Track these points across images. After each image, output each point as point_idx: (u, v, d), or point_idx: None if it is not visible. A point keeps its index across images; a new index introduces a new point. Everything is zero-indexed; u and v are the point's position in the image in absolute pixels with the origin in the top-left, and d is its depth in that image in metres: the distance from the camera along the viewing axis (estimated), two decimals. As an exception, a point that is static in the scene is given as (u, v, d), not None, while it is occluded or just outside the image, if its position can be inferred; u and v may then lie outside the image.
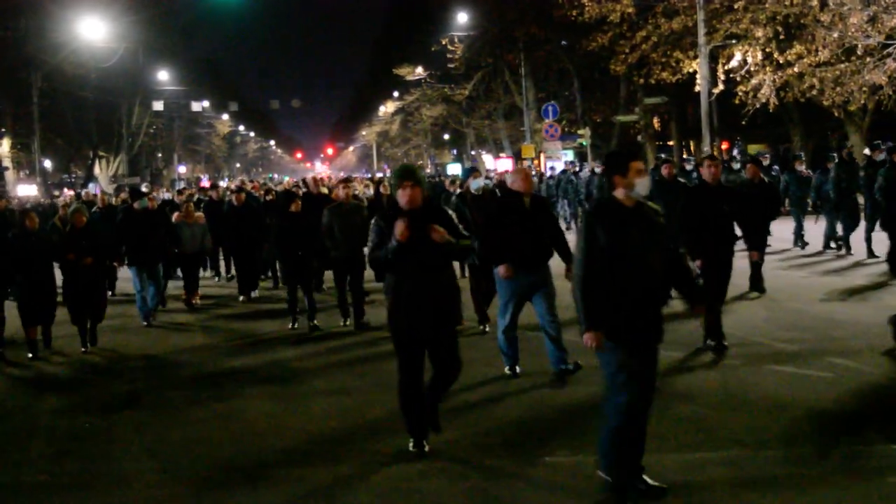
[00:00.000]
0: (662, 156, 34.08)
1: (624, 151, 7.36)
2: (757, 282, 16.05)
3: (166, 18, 61.48)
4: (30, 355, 13.81)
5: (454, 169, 69.95)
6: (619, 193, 6.93)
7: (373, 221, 8.32)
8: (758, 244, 13.45)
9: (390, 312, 8.16)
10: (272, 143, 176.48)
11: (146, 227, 16.53)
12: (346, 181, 16.69)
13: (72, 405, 11.11)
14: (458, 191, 17.45)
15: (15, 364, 13.68)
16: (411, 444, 8.23)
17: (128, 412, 10.48)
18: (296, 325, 15.22)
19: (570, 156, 55.15)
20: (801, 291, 16.33)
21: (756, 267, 15.63)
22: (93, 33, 45.13)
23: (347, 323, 15.16)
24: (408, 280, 8.03)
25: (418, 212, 8.08)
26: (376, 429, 9.15)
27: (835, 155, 23.39)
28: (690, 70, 37.48)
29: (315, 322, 15.03)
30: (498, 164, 60.28)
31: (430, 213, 8.17)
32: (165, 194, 38.21)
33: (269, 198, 24.40)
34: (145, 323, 16.36)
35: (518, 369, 10.99)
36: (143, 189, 28.61)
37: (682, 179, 18.84)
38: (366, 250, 9.34)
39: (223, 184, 55.60)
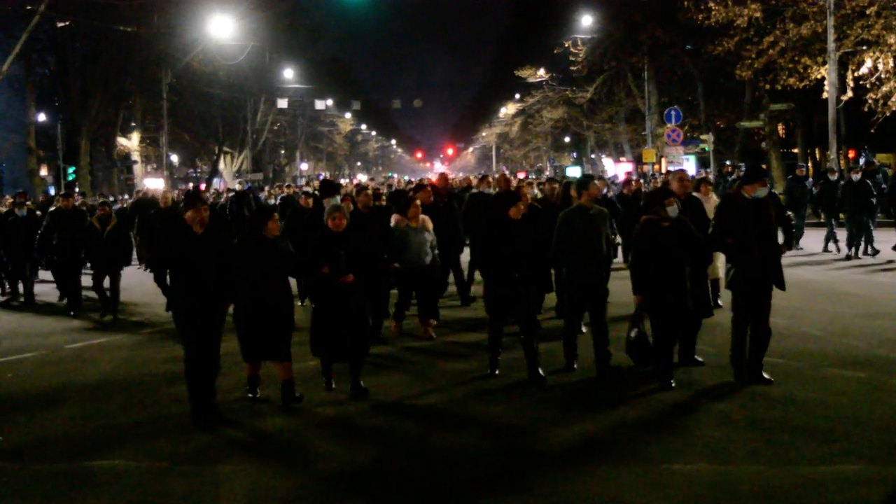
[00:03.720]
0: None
1: None
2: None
3: (293, 17, 62.64)
4: (249, 395, 10.86)
5: (574, 172, 69.75)
6: None
7: None
8: None
9: None
10: (393, 142, 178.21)
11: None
12: (589, 180, 12.30)
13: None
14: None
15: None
16: None
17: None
18: (497, 371, 11.58)
19: (692, 161, 54.52)
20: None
21: None
22: (221, 31, 46.05)
23: (574, 367, 11.70)
24: None
25: None
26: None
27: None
28: (818, 76, 36.71)
29: (541, 372, 11.32)
30: (618, 168, 59.87)
31: None
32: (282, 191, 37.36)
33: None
34: None
35: None
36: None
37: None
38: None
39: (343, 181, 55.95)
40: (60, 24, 43.90)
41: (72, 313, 18.31)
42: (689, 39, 47.86)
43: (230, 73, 56.08)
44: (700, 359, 11.66)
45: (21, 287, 21.44)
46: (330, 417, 10.23)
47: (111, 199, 35.82)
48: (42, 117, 54.86)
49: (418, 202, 14.71)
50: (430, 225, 14.60)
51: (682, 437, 8.98)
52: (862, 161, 34.45)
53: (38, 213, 23.49)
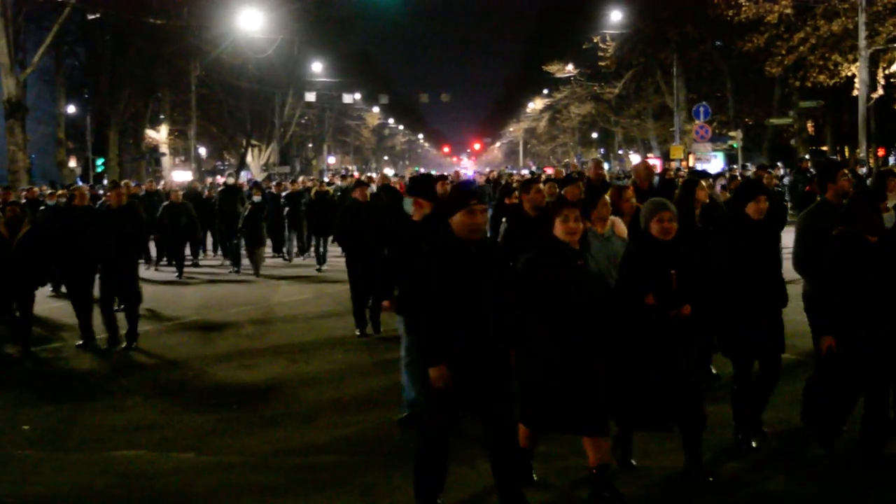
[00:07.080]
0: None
1: None
2: None
3: (323, 10, 62.66)
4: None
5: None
6: None
7: None
8: None
9: None
10: (420, 136, 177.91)
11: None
12: (837, 168, 9.10)
13: None
14: None
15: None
16: None
17: None
18: (766, 430, 8.50)
19: (720, 158, 54.28)
20: None
21: None
22: (251, 24, 46.18)
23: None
24: None
25: None
26: None
27: None
28: (849, 74, 36.54)
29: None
30: (646, 165, 59.55)
31: None
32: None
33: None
34: None
35: None
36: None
37: None
38: None
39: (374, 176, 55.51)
40: (91, 17, 44.08)
41: (80, 343, 13.66)
42: (718, 35, 47.66)
43: (259, 66, 56.21)
44: None
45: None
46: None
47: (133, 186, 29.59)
48: (72, 109, 55.21)
49: (608, 198, 9.14)
50: (622, 229, 9.21)
51: None
52: (892, 160, 34.24)
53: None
